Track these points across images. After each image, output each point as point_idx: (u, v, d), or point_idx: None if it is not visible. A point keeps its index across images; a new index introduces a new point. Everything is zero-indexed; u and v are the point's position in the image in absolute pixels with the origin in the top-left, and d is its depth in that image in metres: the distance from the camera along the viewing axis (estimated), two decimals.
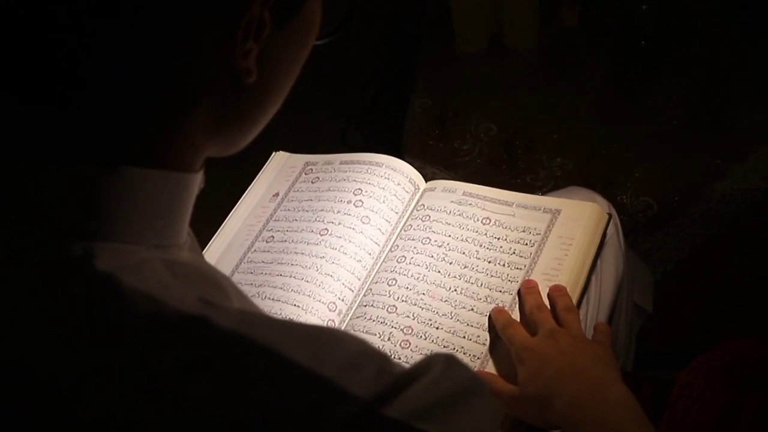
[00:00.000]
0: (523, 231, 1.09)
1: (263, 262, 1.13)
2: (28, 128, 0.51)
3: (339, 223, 1.13)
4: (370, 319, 1.03)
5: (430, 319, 1.02)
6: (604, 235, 1.09)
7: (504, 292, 1.03)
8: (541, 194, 1.25)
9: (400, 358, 0.99)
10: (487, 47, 2.14)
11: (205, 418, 0.45)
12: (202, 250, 1.18)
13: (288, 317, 1.03)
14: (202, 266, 0.58)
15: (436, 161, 1.80)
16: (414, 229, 1.12)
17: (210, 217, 1.22)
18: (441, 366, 0.50)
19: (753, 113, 1.78)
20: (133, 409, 0.46)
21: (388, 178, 1.18)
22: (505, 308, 1.01)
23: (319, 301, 1.05)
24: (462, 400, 0.49)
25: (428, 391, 0.48)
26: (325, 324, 1.03)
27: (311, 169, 1.25)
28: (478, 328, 1.00)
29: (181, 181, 0.56)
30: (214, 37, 0.51)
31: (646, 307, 1.40)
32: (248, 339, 0.47)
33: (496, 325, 0.98)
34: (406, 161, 1.22)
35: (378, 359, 0.49)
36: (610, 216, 1.11)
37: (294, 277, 1.08)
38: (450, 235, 1.10)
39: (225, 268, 1.15)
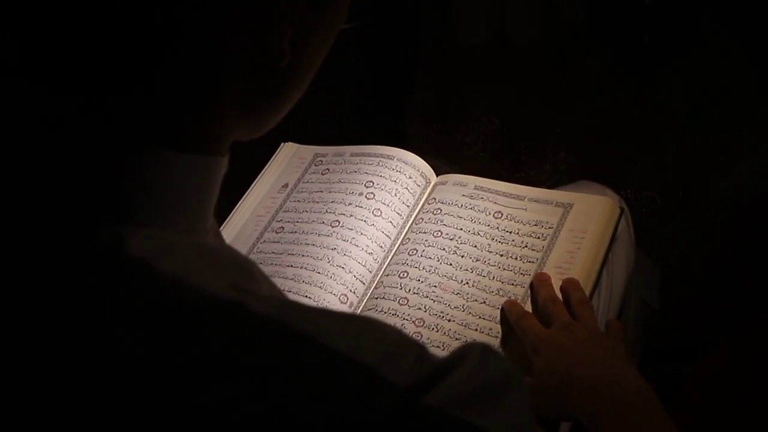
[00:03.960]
0: (536, 225, 1.09)
1: (273, 252, 1.13)
2: (57, 112, 0.50)
3: (351, 215, 1.13)
4: (382, 311, 1.03)
5: (441, 312, 1.02)
6: (616, 229, 1.10)
7: (516, 285, 1.03)
8: (546, 188, 1.25)
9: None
10: (489, 40, 2.14)
11: (247, 407, 0.45)
12: None
13: None
14: (230, 252, 0.58)
15: (439, 154, 1.80)
16: (425, 222, 1.12)
17: (217, 207, 1.22)
18: (477, 356, 0.49)
19: (757, 109, 1.78)
20: (172, 400, 0.45)
21: (399, 171, 1.17)
22: (518, 301, 1.01)
23: (330, 292, 1.05)
24: (500, 391, 0.49)
25: (467, 380, 0.47)
26: None
27: (321, 161, 1.24)
28: (490, 320, 1.00)
29: (210, 164, 0.55)
30: (247, 20, 0.51)
31: (651, 302, 1.40)
32: (287, 327, 0.47)
33: (510, 317, 0.98)
34: None
35: (415, 348, 0.49)
36: (622, 210, 1.11)
37: (305, 268, 1.08)
38: (462, 229, 1.10)
39: None
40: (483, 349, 0.51)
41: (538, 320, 0.97)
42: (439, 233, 1.10)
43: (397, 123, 2.11)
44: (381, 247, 1.11)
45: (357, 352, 0.46)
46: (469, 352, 0.49)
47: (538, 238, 1.07)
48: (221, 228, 1.20)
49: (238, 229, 1.19)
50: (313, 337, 0.46)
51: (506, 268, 1.05)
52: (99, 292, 0.47)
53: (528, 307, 1.01)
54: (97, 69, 0.49)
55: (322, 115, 2.29)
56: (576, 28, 2.10)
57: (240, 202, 1.23)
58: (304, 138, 1.30)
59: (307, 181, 1.22)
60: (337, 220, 1.13)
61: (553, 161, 1.73)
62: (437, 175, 1.21)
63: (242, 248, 1.16)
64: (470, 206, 1.12)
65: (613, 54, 1.99)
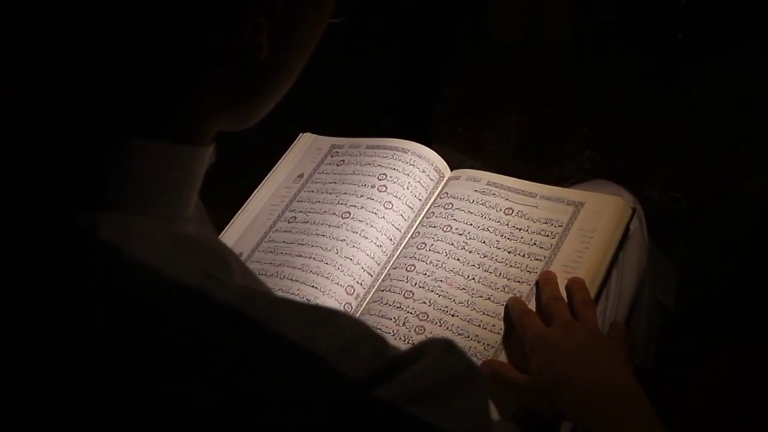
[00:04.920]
0: (545, 222, 1.08)
1: (284, 242, 1.14)
2: (41, 104, 0.52)
3: (362, 207, 1.13)
4: (387, 303, 1.04)
5: (446, 306, 1.02)
6: (627, 229, 1.09)
7: (522, 282, 1.03)
8: (567, 186, 1.24)
9: (413, 344, 0.99)
10: (522, 37, 2.13)
11: (199, 393, 0.46)
12: (225, 227, 1.19)
13: (305, 299, 1.04)
14: (208, 240, 0.58)
15: (464, 149, 1.80)
16: (436, 217, 1.12)
17: (233, 195, 1.23)
18: (438, 351, 0.50)
19: None
20: (128, 385, 0.46)
21: (413, 165, 1.18)
22: (522, 298, 1.01)
23: (338, 283, 1.06)
24: (456, 387, 0.49)
25: (423, 375, 0.48)
26: (342, 307, 1.04)
27: (337, 152, 1.25)
28: (494, 317, 1.00)
29: (190, 154, 0.56)
30: (222, 12, 0.51)
31: (668, 304, 1.39)
32: (245, 315, 0.48)
33: (512, 313, 0.98)
34: (433, 148, 1.22)
35: (374, 341, 0.49)
36: (634, 210, 1.10)
37: (314, 258, 1.09)
38: (471, 224, 1.10)
39: (246, 247, 1.15)
40: (445, 344, 0.51)
41: (539, 319, 0.96)
42: (449, 228, 1.10)
43: (429, 116, 2.11)
44: (390, 239, 1.11)
45: (311, 343, 0.47)
46: (430, 348, 0.50)
47: (548, 236, 1.07)
48: (236, 215, 1.21)
49: (252, 217, 1.20)
50: (268, 325, 0.47)
51: (513, 265, 1.05)
52: (69, 275, 0.49)
53: (533, 305, 1.00)
54: (81, 65, 0.50)
55: (356, 107, 2.30)
56: (609, 27, 2.08)
57: (255, 191, 1.24)
58: (336, 127, 1.30)
59: (322, 172, 1.23)
60: (348, 212, 1.13)
61: (577, 159, 1.72)
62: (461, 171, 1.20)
63: (255, 236, 1.17)
64: (481, 202, 1.12)
65: (646, 54, 1.97)
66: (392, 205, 1.13)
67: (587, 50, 2.03)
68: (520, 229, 1.08)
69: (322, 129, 1.30)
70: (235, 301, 0.48)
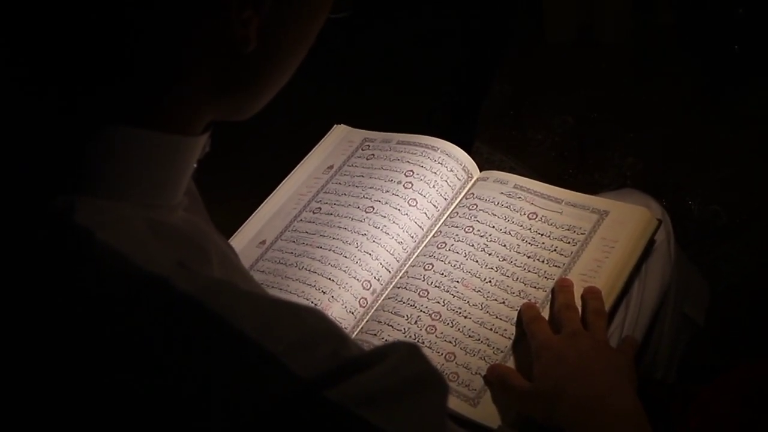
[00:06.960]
0: (568, 229, 1.07)
1: (307, 232, 1.14)
2: (15, 87, 0.53)
3: (386, 203, 1.13)
4: (401, 300, 1.04)
5: (459, 308, 1.02)
6: (652, 241, 1.07)
7: (538, 288, 1.02)
8: (602, 194, 1.23)
9: (424, 343, 0.99)
10: (576, 38, 2.10)
11: (149, 382, 0.46)
12: (251, 213, 1.20)
13: (321, 291, 1.04)
14: (190, 229, 0.59)
15: (507, 149, 1.79)
16: (459, 217, 1.12)
17: (265, 181, 1.24)
18: (400, 355, 0.50)
19: None
20: (80, 371, 0.47)
21: (441, 163, 1.17)
22: (537, 305, 1.00)
23: (355, 278, 1.06)
24: (411, 392, 0.49)
25: (379, 378, 0.48)
26: (357, 302, 1.04)
27: (368, 146, 1.25)
28: (507, 321, 1.00)
29: (176, 143, 0.57)
30: (208, 8, 0.52)
31: (697, 319, 1.36)
32: (203, 306, 0.48)
33: (523, 319, 0.97)
34: (475, 147, 1.21)
35: (334, 340, 0.49)
36: (659, 222, 1.08)
37: (333, 251, 1.09)
38: (494, 226, 1.09)
39: (270, 234, 1.16)
40: (408, 349, 0.51)
41: (551, 326, 0.96)
42: (471, 229, 1.10)
43: (476, 116, 2.10)
44: (412, 237, 1.11)
45: (266, 338, 0.47)
46: (392, 351, 0.50)
47: (569, 243, 1.06)
48: (264, 203, 1.22)
49: (279, 205, 1.21)
50: (225, 318, 0.48)
51: (531, 270, 1.04)
52: (41, 257, 0.50)
53: (547, 312, 1.00)
54: (61, 51, 0.51)
55: (411, 102, 2.30)
56: (666, 32, 2.05)
57: (285, 179, 1.25)
58: (390, 121, 1.29)
59: (352, 165, 1.23)
60: (371, 206, 1.13)
61: (618, 166, 1.70)
62: (500, 171, 1.19)
63: (280, 225, 1.18)
64: (506, 204, 1.11)
65: (700, 62, 1.93)
66: (416, 203, 1.13)
67: (642, 55, 2.00)
68: (542, 235, 1.07)
69: (373, 124, 1.29)
70: (198, 292, 0.49)
